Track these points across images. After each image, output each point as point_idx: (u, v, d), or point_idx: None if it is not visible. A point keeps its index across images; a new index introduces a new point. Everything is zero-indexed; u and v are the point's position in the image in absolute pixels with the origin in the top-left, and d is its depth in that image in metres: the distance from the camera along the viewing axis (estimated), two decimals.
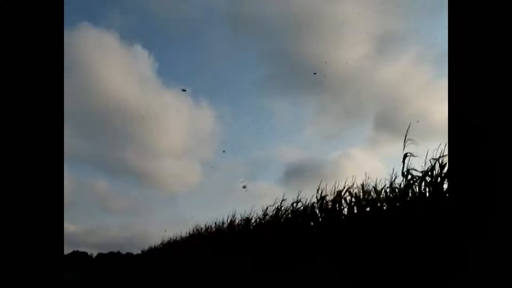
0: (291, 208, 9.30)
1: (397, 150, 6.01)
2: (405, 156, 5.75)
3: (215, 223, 15.38)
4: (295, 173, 18.23)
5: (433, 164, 5.28)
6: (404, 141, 5.69)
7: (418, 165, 5.69)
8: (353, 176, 7.65)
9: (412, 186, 5.65)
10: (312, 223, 8.68)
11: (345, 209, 7.65)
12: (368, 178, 7.16)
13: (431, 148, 5.38)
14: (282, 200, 9.89)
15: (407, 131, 5.70)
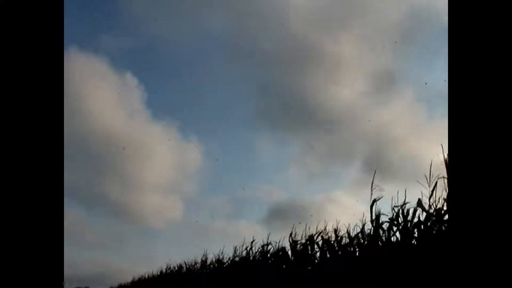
0: (261, 250, 9.26)
1: (382, 194, 5.96)
2: (373, 202, 5.83)
3: (185, 262, 15.05)
4: (277, 213, 18.07)
5: (397, 212, 5.37)
6: (371, 188, 5.79)
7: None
8: (325, 220, 7.68)
9: (379, 233, 5.70)
10: (284, 266, 8.62)
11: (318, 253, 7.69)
12: (347, 223, 7.11)
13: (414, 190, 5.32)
14: (252, 241, 9.89)
15: (373, 177, 5.80)
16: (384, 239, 5.64)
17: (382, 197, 5.82)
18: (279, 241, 8.88)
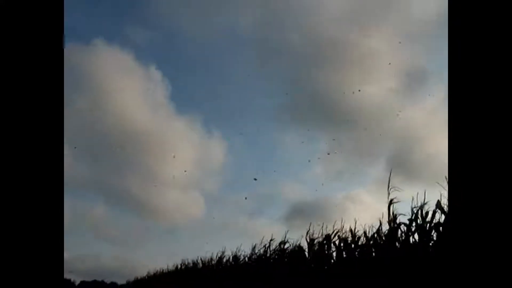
0: (279, 248, 9.34)
1: (403, 194, 5.95)
2: (390, 203, 5.84)
3: (201, 258, 15.24)
4: (299, 211, 17.99)
5: (415, 212, 5.39)
6: (388, 188, 5.80)
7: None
8: (342, 219, 7.70)
9: (396, 233, 5.72)
10: (300, 264, 8.67)
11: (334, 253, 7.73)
12: (366, 223, 7.11)
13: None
14: (271, 240, 9.94)
15: (389, 178, 5.81)
16: (401, 240, 5.67)
17: (399, 201, 5.82)
18: (297, 240, 8.93)
